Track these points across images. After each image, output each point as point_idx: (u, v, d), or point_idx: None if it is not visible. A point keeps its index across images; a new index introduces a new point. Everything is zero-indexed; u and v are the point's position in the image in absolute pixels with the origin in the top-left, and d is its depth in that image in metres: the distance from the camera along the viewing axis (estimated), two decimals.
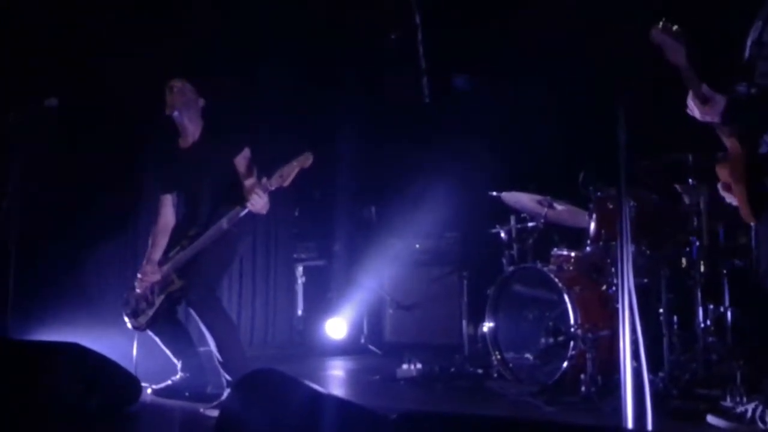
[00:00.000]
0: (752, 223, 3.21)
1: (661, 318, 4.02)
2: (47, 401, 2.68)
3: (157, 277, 4.00)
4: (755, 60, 3.07)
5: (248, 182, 3.91)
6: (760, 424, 3.03)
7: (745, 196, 3.09)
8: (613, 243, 4.13)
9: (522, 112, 5.59)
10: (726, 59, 3.25)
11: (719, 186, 3.30)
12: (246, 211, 3.73)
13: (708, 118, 3.07)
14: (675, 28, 2.92)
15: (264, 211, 3.81)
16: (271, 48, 6.08)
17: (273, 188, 3.69)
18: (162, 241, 4.11)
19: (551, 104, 5.46)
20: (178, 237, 4.06)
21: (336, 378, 5.15)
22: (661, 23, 2.92)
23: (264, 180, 3.72)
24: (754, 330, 3.49)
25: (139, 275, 4.07)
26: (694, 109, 3.08)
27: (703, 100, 3.02)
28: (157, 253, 4.08)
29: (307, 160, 3.65)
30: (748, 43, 3.14)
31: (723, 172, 3.25)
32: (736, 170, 3.14)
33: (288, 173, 3.64)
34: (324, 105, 6.57)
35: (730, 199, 3.26)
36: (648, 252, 4.17)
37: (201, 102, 4.12)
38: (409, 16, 5.12)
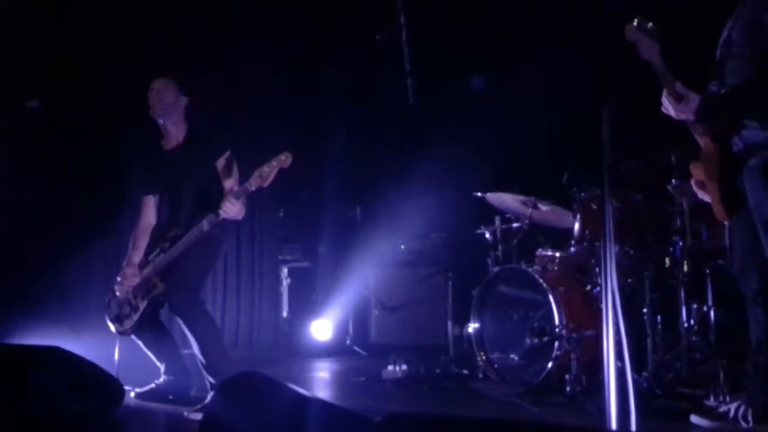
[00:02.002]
0: (725, 222, 3.22)
1: (645, 318, 4.05)
2: (28, 406, 2.65)
3: (136, 280, 3.95)
4: (725, 59, 3.08)
5: (227, 184, 3.89)
6: (743, 423, 3.05)
7: (718, 194, 3.11)
8: (598, 243, 4.14)
9: (506, 113, 5.60)
10: (701, 58, 3.27)
11: (693, 184, 3.32)
12: (221, 217, 3.71)
13: (682, 116, 3.07)
14: (650, 25, 2.93)
15: (239, 218, 3.79)
16: (255, 48, 6.05)
17: (253, 189, 3.67)
18: (142, 243, 4.06)
19: (535, 105, 5.47)
20: (158, 239, 4.02)
21: (321, 380, 5.13)
22: (635, 20, 2.93)
23: (243, 185, 3.69)
24: (738, 329, 3.52)
25: (119, 278, 4.02)
26: (668, 107, 3.08)
27: (678, 98, 3.02)
28: (138, 256, 4.03)
29: (286, 159, 3.62)
30: (720, 42, 3.16)
31: (697, 171, 3.26)
32: (710, 169, 3.15)
33: (268, 173, 3.62)
34: (309, 106, 6.55)
35: (704, 196, 3.27)
36: (632, 252, 4.19)
37: (184, 101, 4.04)
38: (394, 17, 5.12)
